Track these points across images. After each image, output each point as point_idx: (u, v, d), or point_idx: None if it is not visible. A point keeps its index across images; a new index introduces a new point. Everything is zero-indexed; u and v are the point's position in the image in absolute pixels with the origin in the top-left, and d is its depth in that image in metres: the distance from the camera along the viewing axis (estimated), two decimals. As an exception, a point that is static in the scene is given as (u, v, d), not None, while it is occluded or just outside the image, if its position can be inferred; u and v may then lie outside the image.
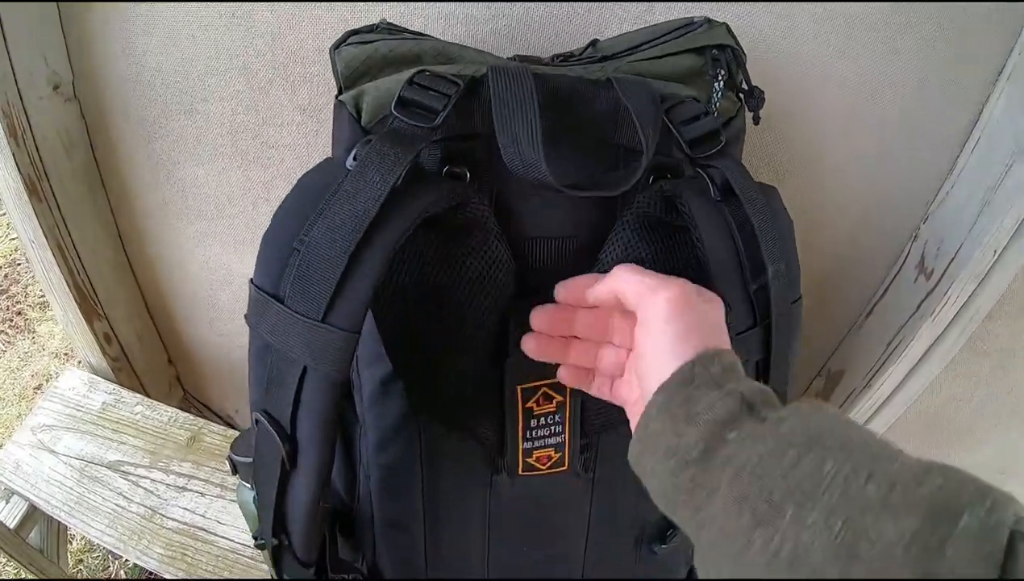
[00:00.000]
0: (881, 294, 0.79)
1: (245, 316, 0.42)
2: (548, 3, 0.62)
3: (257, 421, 0.43)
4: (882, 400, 0.78)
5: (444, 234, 0.43)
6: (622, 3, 0.61)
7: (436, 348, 0.46)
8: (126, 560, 1.40)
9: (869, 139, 0.69)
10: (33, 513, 0.98)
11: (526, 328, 0.45)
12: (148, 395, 1.03)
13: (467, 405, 0.48)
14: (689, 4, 0.61)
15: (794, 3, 0.60)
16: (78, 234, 0.94)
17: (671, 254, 0.45)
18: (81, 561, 1.41)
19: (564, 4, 0.62)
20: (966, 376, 0.88)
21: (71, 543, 1.42)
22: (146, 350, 1.11)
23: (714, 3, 0.61)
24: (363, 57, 0.47)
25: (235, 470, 0.59)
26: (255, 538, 0.52)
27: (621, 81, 0.44)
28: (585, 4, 0.62)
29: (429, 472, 0.51)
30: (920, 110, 0.66)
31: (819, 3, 0.60)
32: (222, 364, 1.13)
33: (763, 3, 0.60)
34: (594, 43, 0.54)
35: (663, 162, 0.46)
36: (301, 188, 0.43)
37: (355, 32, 0.50)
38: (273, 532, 0.47)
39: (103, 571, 1.40)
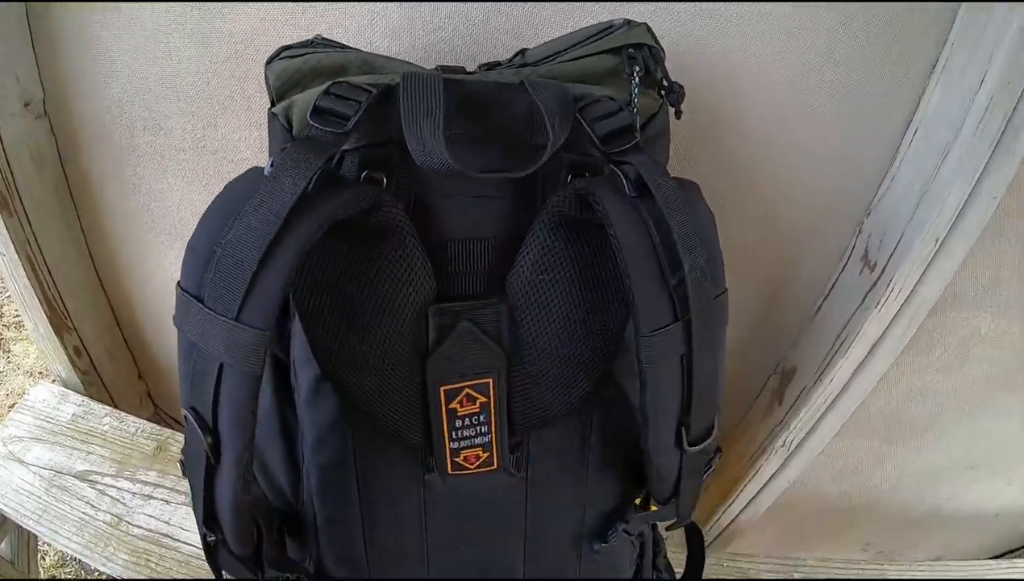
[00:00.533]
0: (829, 290, 0.79)
1: (173, 317, 0.43)
2: (482, 9, 0.64)
3: (185, 417, 0.44)
4: (834, 395, 0.78)
5: (361, 237, 0.45)
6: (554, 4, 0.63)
7: (359, 349, 0.47)
8: (99, 573, 1.42)
9: (806, 137, 0.70)
10: (3, 523, 0.99)
11: (446, 329, 0.46)
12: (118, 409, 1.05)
13: (392, 406, 0.49)
14: (621, 5, 0.62)
15: (726, 3, 0.62)
16: (48, 248, 0.96)
17: (589, 253, 0.47)
18: (54, 578, 1.42)
19: (497, 12, 0.64)
20: (922, 369, 0.89)
21: (44, 559, 1.44)
22: (116, 364, 1.12)
23: (651, 3, 0.62)
24: (292, 70, 0.49)
25: (184, 471, 0.60)
26: (203, 543, 0.53)
27: (534, 83, 0.45)
28: (518, 7, 0.64)
29: (363, 471, 0.52)
30: (857, 106, 0.67)
31: (750, 3, 0.62)
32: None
33: (692, 4, 0.62)
34: (523, 52, 0.55)
35: (580, 161, 0.47)
36: (225, 194, 0.45)
37: (288, 47, 0.52)
38: (206, 525, 0.48)
39: None
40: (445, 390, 0.48)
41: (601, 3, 0.63)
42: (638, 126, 0.48)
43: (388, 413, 0.49)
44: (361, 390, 0.48)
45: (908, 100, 0.66)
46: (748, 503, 0.96)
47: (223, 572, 0.51)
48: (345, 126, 0.43)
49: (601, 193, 0.43)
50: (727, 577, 0.91)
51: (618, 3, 0.62)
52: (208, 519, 0.48)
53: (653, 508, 0.56)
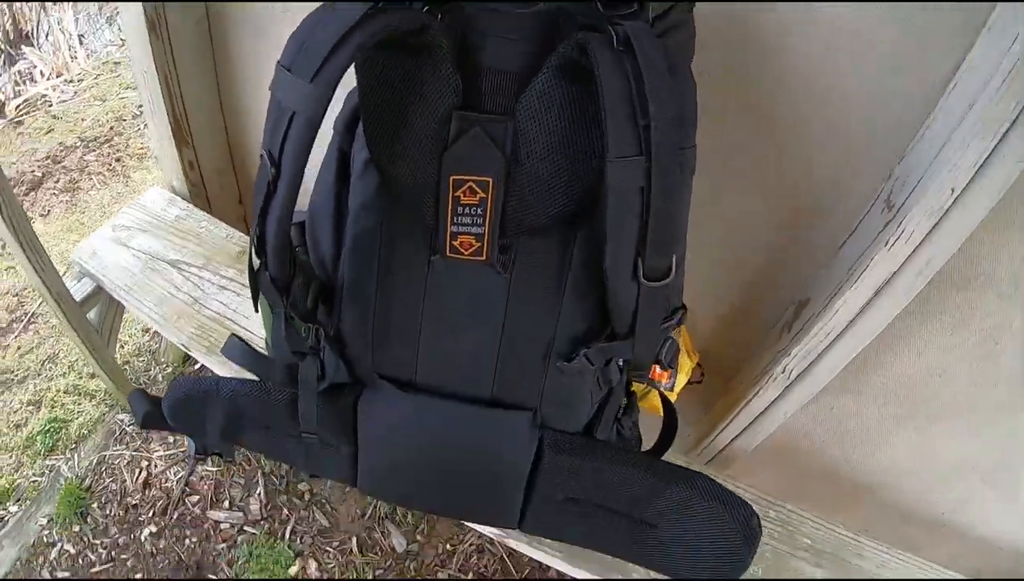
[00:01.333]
0: (854, 229, 0.81)
1: (269, 86, 0.56)
2: None
3: (261, 156, 0.56)
4: (838, 328, 0.81)
5: (413, 53, 0.55)
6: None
7: (397, 139, 0.58)
8: (166, 367, 1.62)
9: (851, 80, 0.72)
10: (97, 293, 1.18)
11: (463, 132, 0.57)
12: (216, 223, 1.21)
13: (415, 186, 0.60)
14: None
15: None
16: (183, 70, 1.12)
17: (583, 94, 0.55)
18: (128, 363, 1.65)
19: None
20: (947, 350, 0.88)
21: (123, 346, 1.66)
22: (223, 182, 1.29)
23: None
24: None
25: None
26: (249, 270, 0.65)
27: None
28: None
29: (385, 242, 0.64)
30: (905, 47, 0.69)
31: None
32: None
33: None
34: None
35: (589, 22, 0.55)
36: (320, 7, 0.57)
37: None
38: (257, 251, 0.60)
39: (145, 372, 1.63)
40: (454, 179, 0.58)
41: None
42: (650, 9, 0.56)
43: (413, 192, 0.60)
44: (395, 172, 0.59)
45: (954, 55, 0.68)
46: (745, 428, 1.00)
47: (259, 293, 0.64)
48: None
49: (595, 44, 0.52)
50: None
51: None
52: (259, 245, 0.60)
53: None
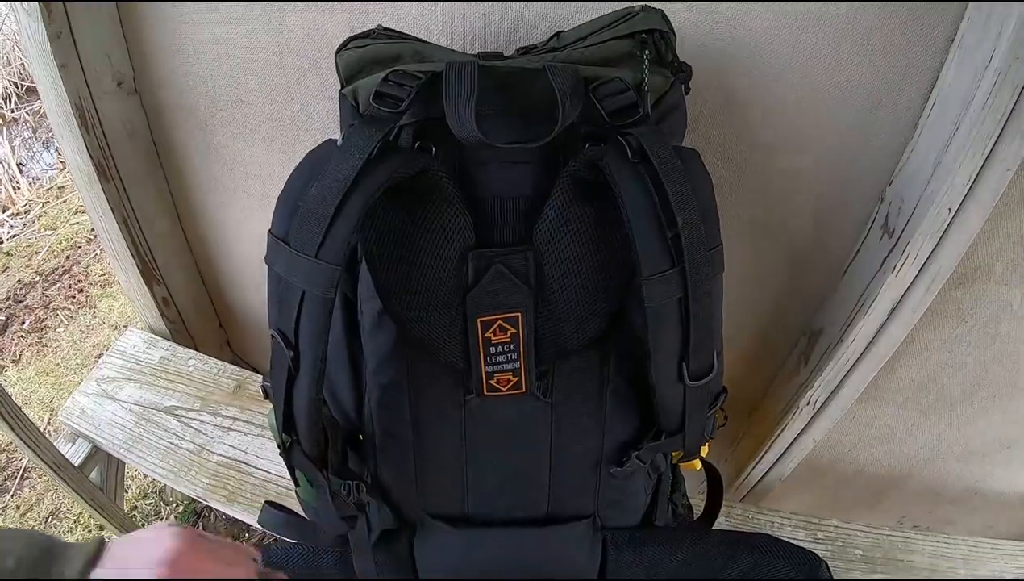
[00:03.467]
0: (854, 255, 0.83)
1: (264, 258, 0.54)
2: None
3: (272, 337, 0.54)
4: (857, 355, 0.82)
5: (415, 196, 0.54)
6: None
7: (412, 287, 0.56)
8: (176, 506, 1.56)
9: (830, 109, 0.73)
10: (96, 454, 1.13)
11: (482, 271, 0.55)
12: (200, 354, 1.17)
13: (439, 334, 0.58)
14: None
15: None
16: (140, 209, 1.08)
17: (600, 211, 0.54)
18: (135, 508, 1.58)
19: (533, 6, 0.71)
20: (954, 342, 0.90)
21: (127, 491, 1.59)
22: (199, 314, 1.25)
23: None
24: (356, 59, 0.59)
25: (267, 395, 0.70)
26: (279, 447, 0.62)
27: (553, 68, 0.53)
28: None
29: (415, 390, 0.62)
30: (878, 80, 0.70)
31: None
32: (267, 328, 1.26)
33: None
34: (558, 34, 0.63)
35: (594, 132, 0.54)
36: (306, 161, 0.56)
37: (354, 38, 0.62)
38: (285, 429, 0.58)
39: (155, 515, 1.56)
40: (482, 321, 0.56)
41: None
42: (649, 102, 0.55)
43: (436, 340, 0.58)
44: (414, 321, 0.57)
45: (927, 74, 0.69)
46: (776, 461, 1.00)
47: (296, 470, 0.62)
48: (399, 107, 0.53)
49: (608, 158, 0.51)
50: (753, 529, 0.95)
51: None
52: (287, 424, 0.58)
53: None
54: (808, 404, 0.90)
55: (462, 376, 0.60)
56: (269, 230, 0.53)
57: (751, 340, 1.02)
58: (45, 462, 1.03)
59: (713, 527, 0.76)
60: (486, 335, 0.57)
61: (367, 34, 0.62)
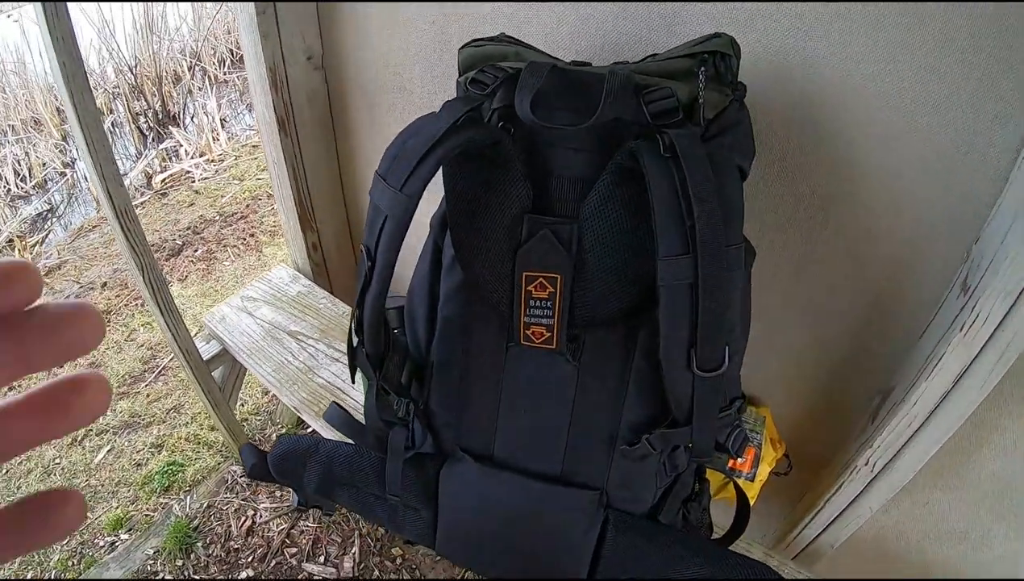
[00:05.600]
0: (933, 315, 0.80)
1: (369, 191, 0.66)
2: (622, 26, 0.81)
3: (361, 250, 0.66)
4: (920, 419, 0.79)
5: (489, 164, 0.65)
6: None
7: (477, 240, 0.67)
8: (280, 428, 1.76)
9: (916, 159, 0.74)
10: (223, 355, 1.33)
11: (533, 233, 0.64)
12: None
13: (492, 281, 0.67)
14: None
15: (843, 27, 0.70)
16: (308, 164, 1.28)
17: (637, 196, 0.61)
18: (246, 420, 1.81)
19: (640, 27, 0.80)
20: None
21: (243, 405, 1.83)
22: (341, 262, 1.44)
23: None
24: (473, 56, 0.73)
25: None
26: (347, 347, 0.75)
27: (613, 73, 0.62)
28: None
29: (469, 328, 0.72)
30: (970, 125, 0.69)
31: (865, 30, 0.69)
32: (396, 289, 1.41)
33: (812, 25, 0.72)
34: (654, 56, 0.71)
35: (642, 130, 0.62)
36: (413, 123, 0.68)
37: (477, 40, 0.75)
38: (355, 331, 0.70)
39: (261, 431, 1.77)
40: (526, 275, 0.65)
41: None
42: (703, 114, 0.62)
43: (489, 285, 0.68)
44: (475, 268, 0.68)
45: (1019, 125, 0.67)
46: (830, 523, 0.97)
47: (357, 368, 0.74)
48: (486, 90, 0.65)
49: (644, 151, 0.58)
50: None
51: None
52: (357, 325, 0.70)
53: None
54: (867, 464, 0.88)
55: (506, 324, 0.69)
56: (376, 170, 0.66)
57: (825, 395, 1.01)
58: (179, 347, 1.24)
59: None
60: (528, 289, 0.65)
61: (490, 39, 0.75)
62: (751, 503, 0.88)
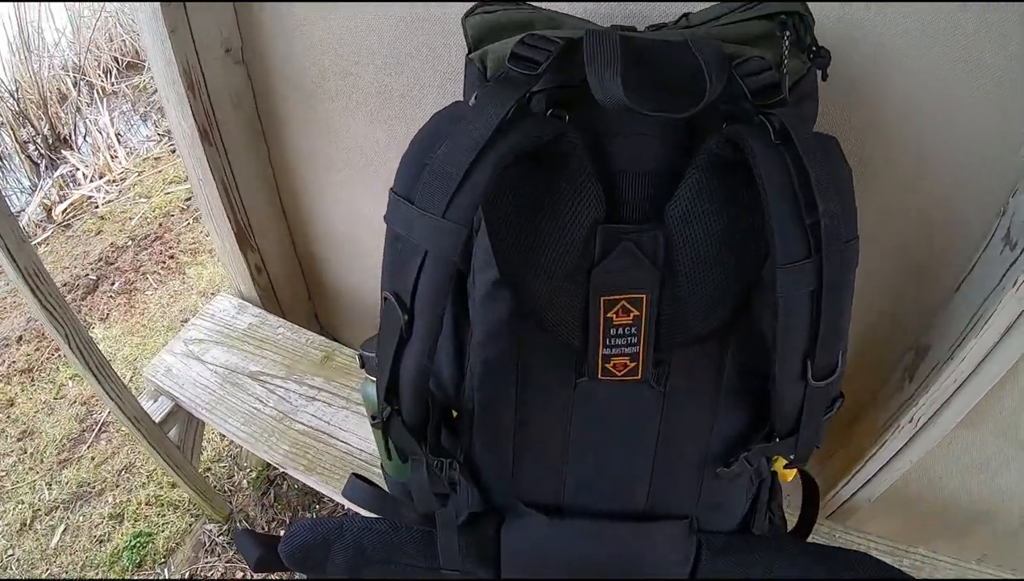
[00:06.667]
0: (970, 269, 0.78)
1: (384, 217, 0.53)
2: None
3: (385, 299, 0.53)
4: (965, 375, 0.78)
5: (546, 163, 0.52)
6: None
7: (536, 257, 0.55)
8: (250, 471, 1.59)
9: (957, 114, 0.70)
10: (176, 412, 1.16)
11: (610, 247, 0.53)
12: (288, 324, 1.19)
13: (558, 309, 0.56)
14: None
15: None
16: (240, 175, 1.11)
17: (736, 193, 0.52)
18: (209, 469, 1.62)
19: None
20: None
21: (203, 453, 1.63)
22: (290, 284, 1.28)
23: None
24: (487, 23, 0.58)
25: (363, 364, 0.69)
26: (372, 419, 0.62)
27: (696, 41, 0.51)
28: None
29: (524, 367, 0.60)
30: (1011, 85, 0.66)
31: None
32: (356, 303, 1.26)
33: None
34: (687, 15, 0.61)
35: (733, 111, 0.52)
36: (433, 121, 0.54)
37: (482, 3, 0.60)
38: (387, 398, 0.57)
39: (228, 479, 1.60)
40: (605, 300, 0.55)
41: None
42: (787, 84, 0.53)
43: (553, 316, 0.57)
44: (533, 293, 0.56)
45: None
46: (869, 479, 0.97)
47: (390, 442, 0.61)
48: (537, 69, 0.51)
49: (750, 138, 0.48)
50: (838, 545, 0.92)
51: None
52: (389, 392, 0.57)
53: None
54: (911, 422, 0.87)
55: (575, 357, 0.59)
56: (391, 189, 0.52)
57: (853, 352, 0.98)
58: (126, 415, 1.06)
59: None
60: (608, 315, 0.55)
61: (497, 1, 0.61)
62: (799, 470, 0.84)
